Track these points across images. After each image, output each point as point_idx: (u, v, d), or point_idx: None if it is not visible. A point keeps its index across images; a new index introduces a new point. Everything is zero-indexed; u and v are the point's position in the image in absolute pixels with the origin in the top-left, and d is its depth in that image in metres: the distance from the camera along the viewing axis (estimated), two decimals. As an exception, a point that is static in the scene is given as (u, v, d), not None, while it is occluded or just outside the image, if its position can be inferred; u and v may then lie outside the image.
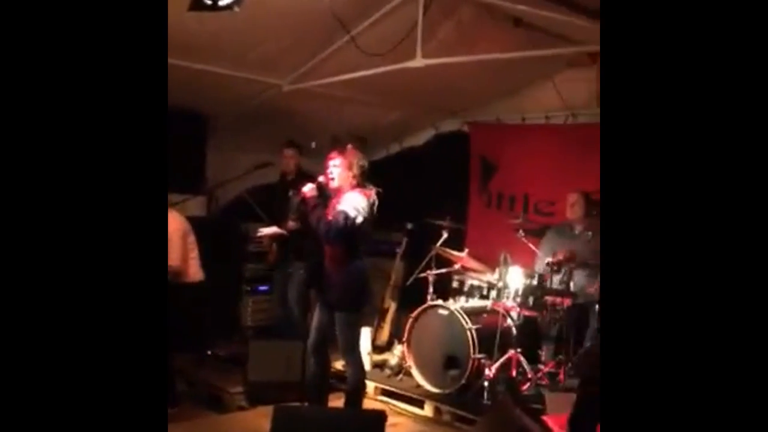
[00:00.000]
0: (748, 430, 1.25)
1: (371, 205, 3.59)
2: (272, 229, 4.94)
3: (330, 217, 3.51)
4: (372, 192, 3.62)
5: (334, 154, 3.65)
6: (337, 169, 3.60)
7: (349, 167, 3.59)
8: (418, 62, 4.21)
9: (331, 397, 3.98)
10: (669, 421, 1.30)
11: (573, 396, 3.37)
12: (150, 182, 1.40)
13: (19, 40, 1.28)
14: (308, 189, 3.63)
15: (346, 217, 3.45)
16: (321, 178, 3.67)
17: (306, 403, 3.68)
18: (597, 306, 4.39)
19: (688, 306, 1.31)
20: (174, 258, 4.10)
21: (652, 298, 1.34)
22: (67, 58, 1.32)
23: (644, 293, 1.35)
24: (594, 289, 4.52)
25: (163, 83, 1.48)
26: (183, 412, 4.10)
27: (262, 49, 4.52)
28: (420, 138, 6.70)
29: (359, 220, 3.51)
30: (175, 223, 4.24)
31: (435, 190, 6.20)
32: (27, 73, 1.28)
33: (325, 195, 3.67)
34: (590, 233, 4.80)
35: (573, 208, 4.91)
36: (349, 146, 3.67)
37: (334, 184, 3.63)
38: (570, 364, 4.44)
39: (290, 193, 4.28)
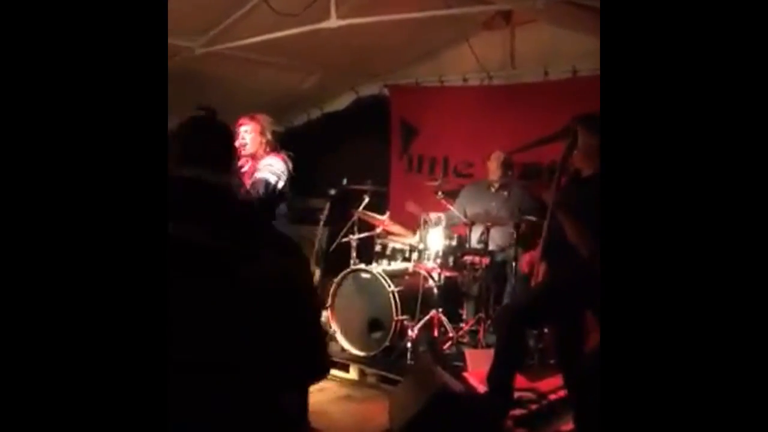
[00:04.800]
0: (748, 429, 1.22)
1: (288, 168, 3.53)
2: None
3: (248, 186, 3.44)
4: (286, 155, 3.56)
5: (244, 119, 3.55)
6: (250, 135, 3.51)
7: (262, 132, 3.51)
8: (333, 23, 4.14)
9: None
10: (669, 420, 1.28)
11: (492, 351, 3.47)
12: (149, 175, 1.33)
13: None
14: (222, 155, 3.51)
15: (267, 184, 3.39)
16: (235, 143, 3.56)
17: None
18: (514, 263, 4.51)
19: (691, 304, 1.27)
20: None
21: (653, 295, 1.30)
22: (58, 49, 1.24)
23: (645, 290, 1.31)
24: (511, 246, 4.64)
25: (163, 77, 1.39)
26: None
27: (171, 9, 4.31)
28: (340, 103, 6.63)
29: (281, 185, 3.46)
30: None
31: (357, 154, 6.18)
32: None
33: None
34: (506, 192, 4.91)
35: (495, 165, 4.99)
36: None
37: (247, 150, 3.54)
38: (489, 321, 4.57)
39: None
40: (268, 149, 3.52)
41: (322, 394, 4.09)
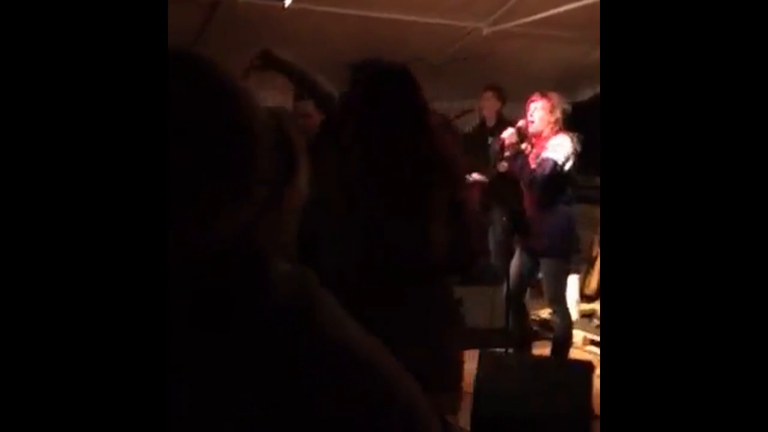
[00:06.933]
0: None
1: (576, 149, 3.42)
2: (473, 177, 4.93)
3: (534, 165, 3.40)
4: (574, 135, 3.44)
5: (536, 96, 3.49)
6: (539, 113, 3.45)
7: (552, 110, 3.43)
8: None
9: (536, 344, 3.94)
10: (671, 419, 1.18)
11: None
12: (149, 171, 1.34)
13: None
14: (508, 134, 3.54)
15: (555, 164, 3.32)
16: (521, 123, 3.55)
17: (510, 350, 3.69)
18: None
19: (692, 305, 1.15)
20: None
21: (654, 295, 1.18)
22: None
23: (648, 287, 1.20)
24: None
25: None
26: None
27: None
28: (631, 74, 6.19)
29: (568, 166, 3.37)
30: None
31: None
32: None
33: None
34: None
35: None
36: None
37: (534, 128, 3.49)
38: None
39: (489, 140, 4.21)
40: (555, 128, 3.44)
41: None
